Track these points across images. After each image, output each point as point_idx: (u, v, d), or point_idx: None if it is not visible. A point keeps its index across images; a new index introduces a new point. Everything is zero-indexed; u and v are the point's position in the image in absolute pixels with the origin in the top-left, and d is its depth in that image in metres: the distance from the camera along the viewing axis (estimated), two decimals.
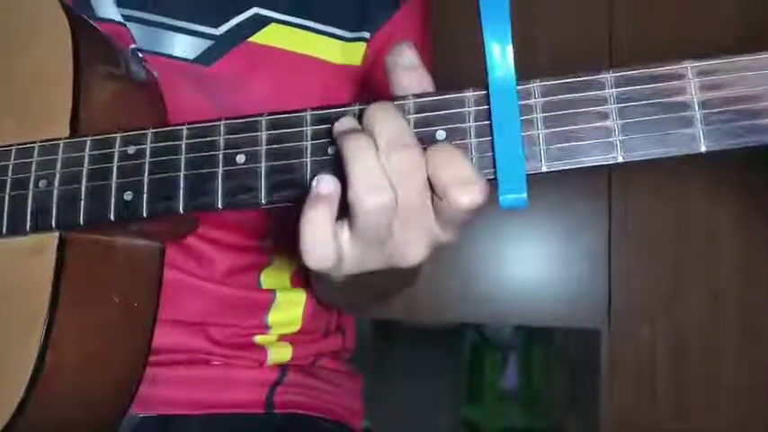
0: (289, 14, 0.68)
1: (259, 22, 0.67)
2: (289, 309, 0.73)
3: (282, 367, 0.71)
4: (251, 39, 0.67)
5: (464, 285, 1.81)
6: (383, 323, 1.97)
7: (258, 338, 0.71)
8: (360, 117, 0.43)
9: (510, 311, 1.82)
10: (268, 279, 0.72)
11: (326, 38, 0.69)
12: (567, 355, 2.02)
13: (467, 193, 0.40)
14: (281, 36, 0.68)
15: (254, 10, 0.67)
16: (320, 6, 0.70)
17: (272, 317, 0.72)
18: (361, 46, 0.71)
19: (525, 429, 2.02)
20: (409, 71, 0.44)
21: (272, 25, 0.68)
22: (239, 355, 0.69)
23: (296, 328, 0.73)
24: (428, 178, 0.41)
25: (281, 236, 0.71)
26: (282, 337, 0.72)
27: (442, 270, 1.76)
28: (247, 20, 0.67)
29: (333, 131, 0.42)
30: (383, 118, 0.41)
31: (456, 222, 0.43)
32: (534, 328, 2.00)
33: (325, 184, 0.41)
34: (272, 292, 0.72)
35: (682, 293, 1.72)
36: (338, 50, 0.70)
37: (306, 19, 0.69)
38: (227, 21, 0.67)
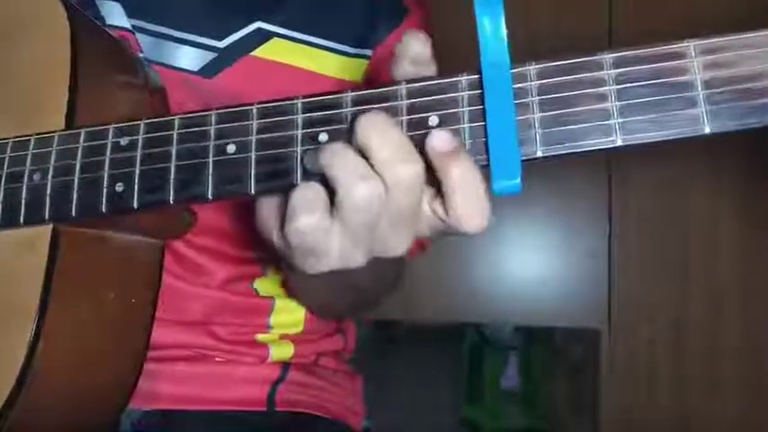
0: (291, 29, 0.69)
1: (262, 37, 0.68)
2: (290, 313, 0.73)
3: (284, 365, 0.71)
4: (253, 53, 0.68)
5: (464, 285, 1.81)
6: (383, 323, 1.97)
7: (260, 336, 0.71)
8: (352, 122, 0.42)
9: (510, 311, 1.82)
10: (263, 287, 0.72)
11: (329, 53, 0.70)
12: (567, 355, 2.01)
13: (475, 222, 0.40)
14: (284, 50, 0.68)
15: (257, 24, 0.68)
16: (323, 22, 0.70)
17: (275, 319, 0.72)
18: (363, 63, 0.71)
19: (525, 429, 2.02)
20: (416, 63, 0.43)
21: (275, 40, 0.68)
22: (241, 351, 0.70)
23: (298, 329, 0.74)
24: (440, 190, 0.41)
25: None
26: (284, 336, 0.73)
27: (442, 270, 1.76)
28: (250, 34, 0.68)
29: (319, 158, 0.42)
30: (376, 131, 0.40)
31: (451, 234, 0.43)
32: (534, 328, 2.00)
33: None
34: (271, 298, 0.72)
35: (682, 293, 1.72)
36: (340, 66, 0.70)
37: (308, 34, 0.69)
38: (230, 34, 0.68)
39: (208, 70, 0.67)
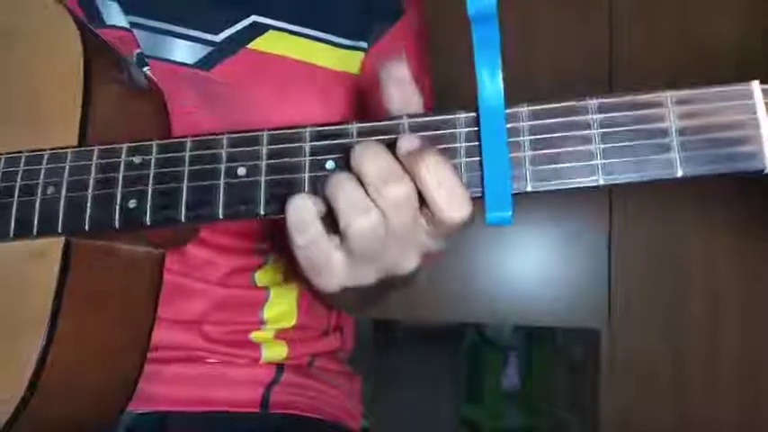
0: (287, 22, 0.70)
1: (257, 30, 0.69)
2: (283, 303, 0.74)
3: (279, 367, 0.72)
4: (249, 45, 0.68)
5: (464, 285, 1.81)
6: (383, 323, 1.98)
7: (253, 335, 0.72)
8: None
9: (510, 311, 1.82)
10: (262, 277, 0.73)
11: (324, 45, 0.71)
12: (568, 355, 2.02)
13: (459, 211, 0.43)
14: (280, 43, 0.69)
15: (253, 18, 0.69)
16: (318, 14, 0.71)
17: (268, 312, 0.73)
18: (359, 55, 0.72)
19: (525, 429, 2.02)
20: (400, 85, 0.46)
21: (271, 32, 0.69)
22: (234, 352, 0.70)
23: (292, 322, 0.74)
24: (420, 195, 0.43)
25: (276, 238, 0.72)
26: (278, 335, 0.73)
27: (442, 270, 1.76)
28: (246, 27, 0.69)
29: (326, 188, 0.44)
30: (368, 157, 0.43)
31: (448, 234, 0.45)
32: (534, 327, 2.00)
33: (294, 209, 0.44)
34: (266, 288, 0.73)
35: (682, 293, 1.72)
36: (336, 58, 0.71)
37: (304, 27, 0.70)
38: (226, 28, 0.68)
39: (204, 63, 0.67)
